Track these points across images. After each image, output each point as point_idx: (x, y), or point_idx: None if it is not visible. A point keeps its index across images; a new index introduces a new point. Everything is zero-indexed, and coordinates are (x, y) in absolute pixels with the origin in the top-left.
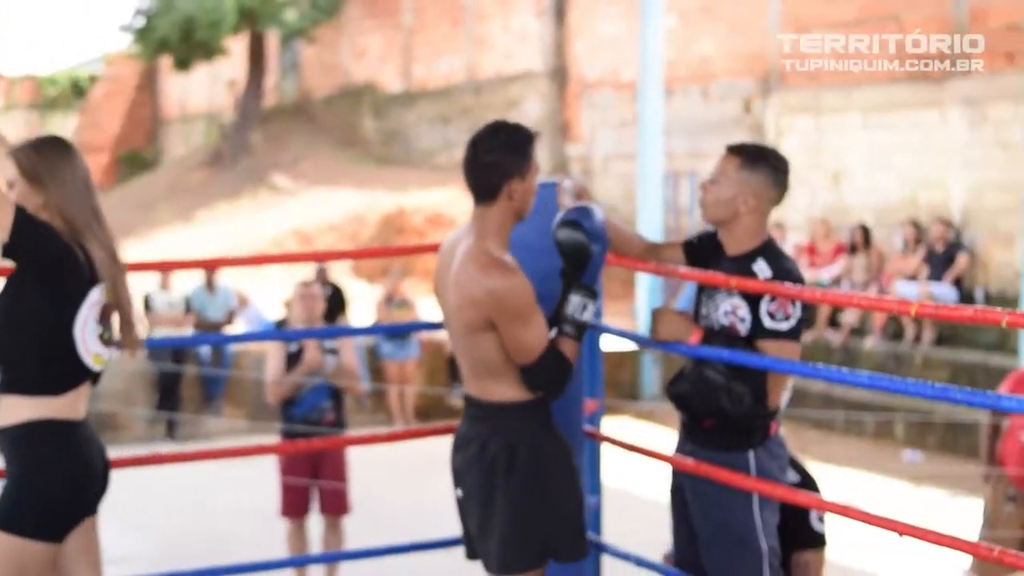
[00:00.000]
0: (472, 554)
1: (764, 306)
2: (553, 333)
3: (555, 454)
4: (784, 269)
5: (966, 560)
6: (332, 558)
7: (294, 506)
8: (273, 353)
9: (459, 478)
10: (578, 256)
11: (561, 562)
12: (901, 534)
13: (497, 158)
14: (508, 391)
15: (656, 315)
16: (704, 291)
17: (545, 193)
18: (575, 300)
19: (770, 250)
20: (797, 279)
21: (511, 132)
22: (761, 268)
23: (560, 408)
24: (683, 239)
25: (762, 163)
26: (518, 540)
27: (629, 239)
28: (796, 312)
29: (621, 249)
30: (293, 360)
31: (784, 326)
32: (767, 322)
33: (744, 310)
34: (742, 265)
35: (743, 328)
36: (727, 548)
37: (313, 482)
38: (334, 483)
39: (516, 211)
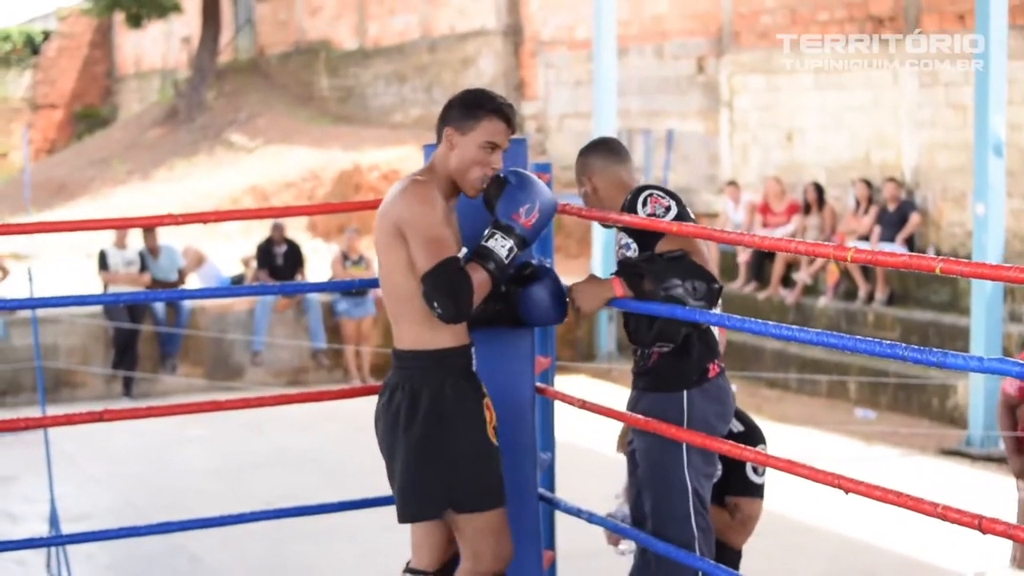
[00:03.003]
0: None
1: (641, 212)
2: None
3: (457, 405)
4: (646, 186)
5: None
6: (295, 512)
7: None
8: None
9: (375, 426)
10: (493, 190)
11: (461, 513)
12: (847, 491)
13: (450, 103)
14: (416, 337)
15: (571, 293)
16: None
17: (511, 149)
18: (487, 233)
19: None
20: (654, 185)
21: (477, 93)
22: (635, 202)
23: (509, 366)
24: None
25: (580, 158)
26: (415, 489)
27: None
28: (672, 203)
29: None
30: None
31: (670, 216)
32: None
33: (626, 238)
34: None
35: (631, 252)
36: (657, 487)
37: None
38: None
39: (452, 166)
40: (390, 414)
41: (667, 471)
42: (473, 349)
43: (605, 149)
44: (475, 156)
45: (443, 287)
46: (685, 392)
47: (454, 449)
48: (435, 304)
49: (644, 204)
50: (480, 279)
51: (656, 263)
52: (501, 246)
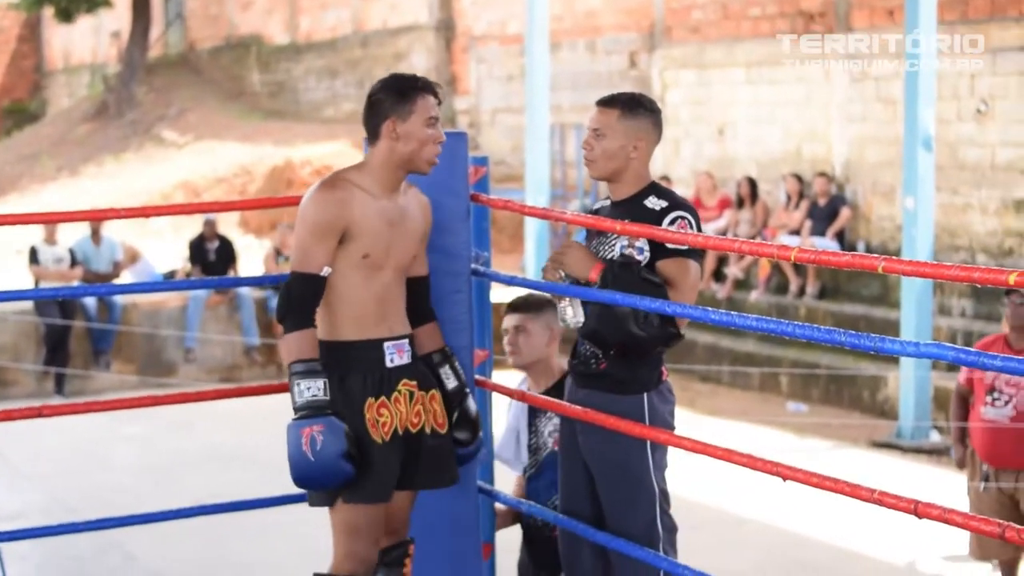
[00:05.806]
0: None
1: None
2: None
3: (339, 398)
4: (677, 199)
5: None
6: (230, 507)
7: None
8: None
9: None
10: None
11: (348, 502)
12: (785, 479)
13: (379, 98)
14: (321, 327)
15: (564, 246)
16: (594, 237)
17: (450, 143)
18: (311, 383)
19: (658, 187)
20: (690, 208)
21: (399, 77)
22: (652, 202)
23: None
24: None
25: (640, 108)
26: None
27: None
28: (695, 229)
29: None
30: None
31: (685, 246)
32: (668, 244)
33: (641, 240)
34: (632, 204)
35: (642, 257)
36: (623, 488)
37: None
38: None
39: (403, 154)
40: None
41: (632, 473)
42: (393, 344)
43: (659, 121)
44: (424, 135)
45: (283, 295)
46: (645, 395)
47: None
48: (279, 301)
49: (672, 222)
50: (304, 335)
51: (632, 277)
52: (305, 388)
